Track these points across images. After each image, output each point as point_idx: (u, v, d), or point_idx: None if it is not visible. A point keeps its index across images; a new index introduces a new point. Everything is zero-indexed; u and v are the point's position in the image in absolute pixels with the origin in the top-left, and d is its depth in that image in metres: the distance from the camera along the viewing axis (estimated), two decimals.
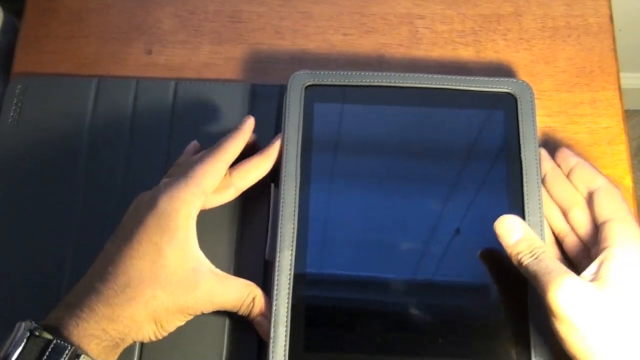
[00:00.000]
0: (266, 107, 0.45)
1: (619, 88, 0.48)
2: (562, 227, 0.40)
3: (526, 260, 0.35)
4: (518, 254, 0.35)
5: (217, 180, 0.37)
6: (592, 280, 0.34)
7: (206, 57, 0.48)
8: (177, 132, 0.44)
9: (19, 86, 0.46)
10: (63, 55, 0.48)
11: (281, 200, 0.39)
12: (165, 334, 0.34)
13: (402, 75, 0.43)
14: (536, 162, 0.42)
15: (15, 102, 0.45)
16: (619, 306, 0.32)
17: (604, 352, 0.32)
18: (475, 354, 0.37)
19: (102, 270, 0.33)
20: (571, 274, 0.33)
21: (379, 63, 0.48)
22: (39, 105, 0.45)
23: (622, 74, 0.48)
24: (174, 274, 0.33)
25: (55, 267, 0.41)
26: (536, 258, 0.34)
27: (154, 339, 0.34)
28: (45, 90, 0.46)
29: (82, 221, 0.42)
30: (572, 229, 0.39)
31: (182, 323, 0.35)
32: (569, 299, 0.32)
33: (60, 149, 0.44)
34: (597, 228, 0.37)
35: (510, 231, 0.36)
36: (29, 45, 0.48)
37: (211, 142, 0.43)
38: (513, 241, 0.36)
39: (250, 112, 0.45)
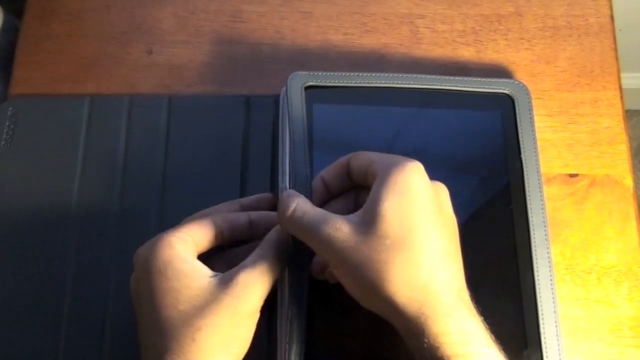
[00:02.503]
0: (261, 117, 0.45)
1: (620, 88, 0.48)
2: None
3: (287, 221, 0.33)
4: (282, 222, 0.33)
5: (202, 231, 0.35)
6: (358, 218, 0.31)
7: (206, 57, 0.48)
8: (173, 148, 0.44)
9: (11, 109, 0.45)
10: (63, 55, 0.48)
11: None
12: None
13: (400, 76, 0.43)
14: (536, 162, 0.42)
15: (7, 124, 0.44)
16: (382, 234, 0.30)
17: (378, 283, 0.29)
18: None
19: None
20: (333, 217, 0.31)
21: (380, 63, 0.48)
22: (31, 128, 0.44)
23: (622, 74, 0.48)
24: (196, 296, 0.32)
25: (55, 288, 0.40)
26: (293, 215, 0.32)
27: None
28: (37, 112, 0.45)
29: (79, 244, 0.41)
30: None
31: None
32: (336, 241, 0.30)
33: (54, 172, 0.43)
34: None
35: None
36: (29, 45, 0.48)
37: (208, 157, 0.43)
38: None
39: (246, 123, 0.44)
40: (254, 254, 0.34)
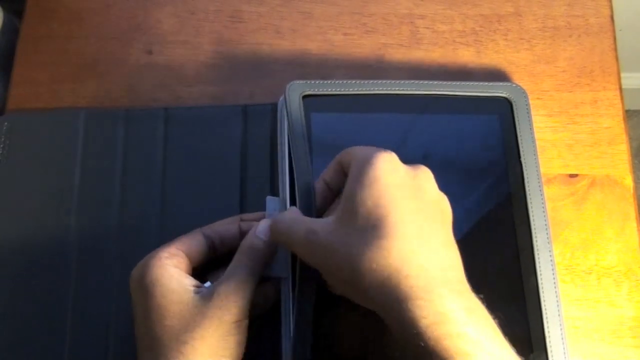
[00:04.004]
0: (259, 127, 0.44)
1: (620, 88, 0.48)
2: None
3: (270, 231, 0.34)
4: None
5: (194, 245, 0.36)
6: (332, 217, 0.32)
7: (206, 57, 0.48)
8: (171, 160, 0.43)
9: (6, 124, 0.44)
10: (63, 55, 0.48)
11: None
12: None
13: (398, 82, 0.43)
14: (536, 165, 0.42)
15: (2, 140, 0.44)
16: (354, 226, 0.30)
17: (355, 274, 0.29)
18: None
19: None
20: (307, 219, 0.33)
21: (380, 63, 0.48)
22: (27, 143, 0.43)
23: (622, 74, 0.48)
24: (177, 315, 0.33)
25: (56, 306, 0.40)
26: (276, 223, 0.34)
27: None
28: (33, 127, 0.44)
29: (79, 261, 0.41)
30: None
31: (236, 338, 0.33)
32: (312, 245, 0.31)
33: (51, 187, 0.42)
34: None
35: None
36: (29, 45, 0.48)
37: (206, 168, 0.43)
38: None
39: (244, 133, 0.44)
40: (230, 265, 0.35)
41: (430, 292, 0.28)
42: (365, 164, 0.31)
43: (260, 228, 0.36)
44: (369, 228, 0.30)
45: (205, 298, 0.33)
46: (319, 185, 0.37)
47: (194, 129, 0.44)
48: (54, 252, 0.41)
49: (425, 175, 0.33)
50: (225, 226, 0.38)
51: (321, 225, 0.32)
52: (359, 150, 0.33)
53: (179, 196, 0.42)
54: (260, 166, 0.43)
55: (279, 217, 0.34)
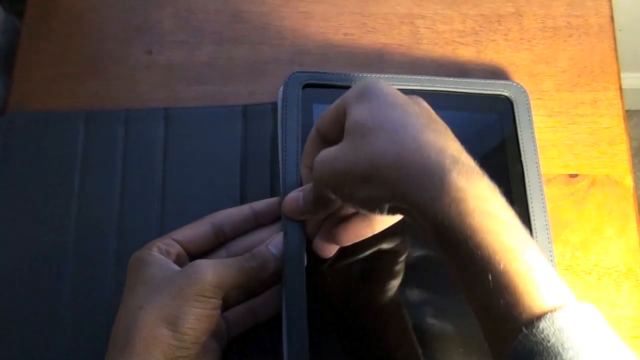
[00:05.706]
0: (259, 126, 0.44)
1: (620, 88, 0.48)
2: None
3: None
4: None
5: (195, 233, 0.37)
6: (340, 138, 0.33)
7: (206, 57, 0.48)
8: (172, 160, 0.43)
9: (6, 124, 0.44)
10: (63, 55, 0.48)
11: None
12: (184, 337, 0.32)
13: (399, 77, 0.43)
14: (537, 165, 0.42)
15: (2, 140, 0.43)
16: (361, 132, 0.31)
17: (374, 169, 0.30)
18: None
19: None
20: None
21: (380, 63, 0.48)
22: (27, 143, 0.43)
23: (622, 74, 0.48)
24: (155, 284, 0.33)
25: (54, 305, 0.40)
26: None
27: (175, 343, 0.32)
28: (32, 126, 0.44)
29: (79, 260, 0.41)
30: None
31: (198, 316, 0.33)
32: (322, 168, 0.32)
33: (51, 187, 0.42)
34: None
35: (294, 201, 0.36)
36: (29, 46, 0.48)
37: (207, 168, 0.43)
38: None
39: (244, 133, 0.44)
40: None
41: (471, 169, 0.29)
42: (357, 87, 0.33)
43: (274, 242, 0.36)
44: (376, 126, 0.31)
45: (179, 271, 0.33)
46: (303, 172, 0.38)
47: (194, 129, 0.44)
48: (53, 251, 0.41)
49: (421, 100, 0.35)
50: (236, 209, 0.39)
51: (328, 146, 0.33)
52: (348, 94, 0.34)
53: (179, 196, 0.42)
54: (260, 166, 0.43)
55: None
